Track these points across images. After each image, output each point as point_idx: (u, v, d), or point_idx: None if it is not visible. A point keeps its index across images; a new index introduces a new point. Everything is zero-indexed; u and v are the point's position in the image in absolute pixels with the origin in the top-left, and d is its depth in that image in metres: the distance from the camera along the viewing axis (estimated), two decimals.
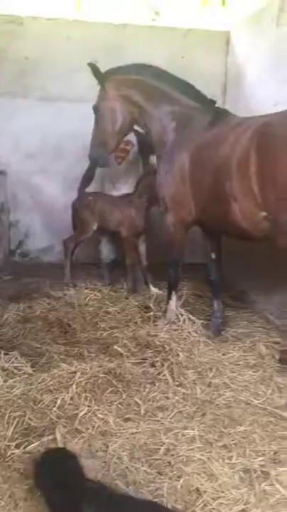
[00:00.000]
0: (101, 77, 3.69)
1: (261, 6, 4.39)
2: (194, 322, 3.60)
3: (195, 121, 3.42)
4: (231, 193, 2.89)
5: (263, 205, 2.70)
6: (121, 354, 3.23)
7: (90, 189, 4.65)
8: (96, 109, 3.76)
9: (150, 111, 3.61)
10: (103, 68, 3.70)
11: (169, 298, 3.72)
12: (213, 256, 3.78)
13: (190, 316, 3.65)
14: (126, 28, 5.27)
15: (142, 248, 4.50)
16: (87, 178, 4.61)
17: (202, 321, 3.65)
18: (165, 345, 3.29)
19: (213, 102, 3.57)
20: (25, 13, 5.04)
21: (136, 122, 3.77)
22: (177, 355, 3.17)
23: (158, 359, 3.14)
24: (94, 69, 3.65)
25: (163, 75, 3.59)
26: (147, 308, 4.06)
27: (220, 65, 5.33)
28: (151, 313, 3.88)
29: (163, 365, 3.08)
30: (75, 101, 4.95)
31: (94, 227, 4.49)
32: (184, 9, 6.44)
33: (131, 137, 4.33)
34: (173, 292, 3.71)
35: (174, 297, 3.71)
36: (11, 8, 5.00)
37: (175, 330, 3.50)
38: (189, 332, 3.49)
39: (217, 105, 3.59)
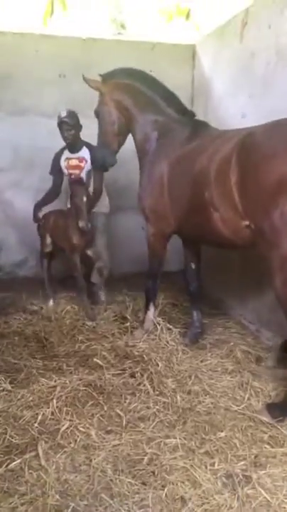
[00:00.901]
0: (96, 84, 3.72)
1: (225, 20, 4.53)
2: (171, 331, 3.66)
3: (174, 133, 3.48)
4: (211, 202, 2.89)
5: (244, 214, 2.71)
6: (100, 366, 3.24)
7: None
8: (97, 113, 3.81)
9: (135, 117, 3.67)
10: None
11: (147, 308, 3.75)
12: (193, 266, 3.83)
13: (168, 325, 3.70)
14: (94, 43, 5.32)
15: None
16: (52, 195, 4.57)
17: (179, 330, 3.71)
18: (144, 355, 3.32)
19: (193, 114, 3.64)
20: None
21: (128, 126, 3.79)
22: (157, 364, 3.21)
23: (137, 369, 3.16)
24: (86, 80, 3.68)
25: (153, 81, 3.65)
26: (124, 319, 4.08)
27: (187, 77, 5.44)
28: (128, 324, 3.91)
29: (142, 375, 3.11)
30: (45, 115, 4.96)
31: (48, 242, 4.51)
32: (149, 23, 6.58)
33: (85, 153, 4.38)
34: (151, 303, 3.75)
35: (152, 307, 3.75)
36: None
37: (153, 339, 3.55)
38: (167, 341, 3.53)
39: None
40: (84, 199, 3.95)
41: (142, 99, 3.62)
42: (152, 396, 2.89)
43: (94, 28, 5.97)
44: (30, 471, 2.31)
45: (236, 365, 3.31)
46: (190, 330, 3.78)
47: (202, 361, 3.33)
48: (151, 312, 3.75)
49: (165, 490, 2.18)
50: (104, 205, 4.56)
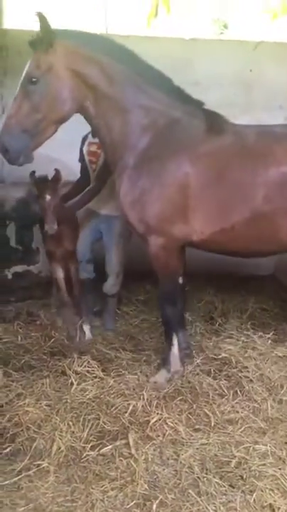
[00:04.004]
0: (50, 34, 2.71)
1: None
2: (262, 336, 3.58)
3: (182, 125, 2.90)
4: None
5: None
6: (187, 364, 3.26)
7: None
8: (34, 78, 2.71)
9: (113, 101, 2.84)
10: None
11: (170, 342, 3.12)
12: (180, 280, 3.24)
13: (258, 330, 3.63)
14: (196, 43, 5.33)
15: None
16: (79, 186, 3.82)
17: (269, 336, 3.61)
18: (233, 359, 3.28)
19: (201, 103, 3.01)
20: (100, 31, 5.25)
21: (83, 111, 2.89)
22: (245, 368, 3.16)
23: (225, 372, 3.14)
24: (42, 20, 2.67)
25: (137, 61, 2.89)
26: (211, 319, 4.07)
27: None
28: (217, 326, 3.89)
29: (230, 378, 3.09)
30: None
31: None
32: (253, 22, 6.48)
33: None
34: (174, 335, 3.13)
35: (175, 341, 3.13)
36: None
37: (243, 342, 3.49)
38: (256, 347, 3.46)
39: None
40: (48, 198, 3.27)
41: (122, 79, 2.83)
42: (241, 401, 2.86)
43: (196, 29, 6.02)
44: (121, 458, 2.41)
45: None
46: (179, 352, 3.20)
47: None
48: (176, 347, 3.11)
49: (254, 495, 2.17)
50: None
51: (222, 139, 2.87)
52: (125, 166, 2.91)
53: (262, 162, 2.78)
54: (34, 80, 2.71)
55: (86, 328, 3.72)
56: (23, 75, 2.74)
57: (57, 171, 3.34)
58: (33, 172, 3.36)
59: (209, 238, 2.89)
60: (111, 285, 3.85)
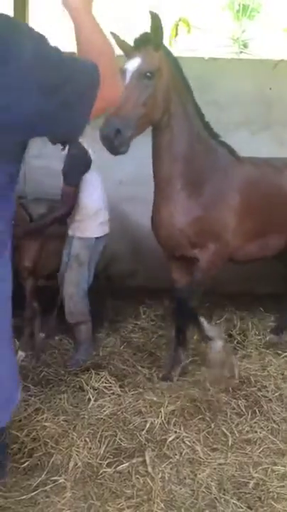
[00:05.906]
0: (161, 34, 2.70)
1: None
2: (280, 355, 3.54)
3: (220, 151, 3.16)
4: None
5: None
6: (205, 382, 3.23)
7: None
8: (149, 73, 2.69)
9: (181, 120, 2.91)
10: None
11: (199, 327, 3.24)
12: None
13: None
14: (216, 62, 5.40)
15: None
16: None
17: None
18: (251, 377, 3.25)
19: (218, 135, 3.21)
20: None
21: (157, 121, 2.86)
22: (265, 387, 3.12)
23: (243, 391, 3.10)
24: (155, 19, 2.63)
25: (188, 84, 2.98)
26: (230, 336, 4.04)
27: None
28: (235, 343, 3.86)
29: (248, 397, 3.05)
30: None
31: None
32: (272, 41, 6.55)
33: None
34: (202, 319, 3.25)
35: (205, 323, 3.26)
36: None
37: (260, 361, 3.46)
38: (275, 366, 3.42)
39: None
40: None
41: (187, 102, 2.95)
42: (259, 420, 2.83)
43: (216, 48, 6.11)
44: (137, 476, 2.39)
45: None
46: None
47: None
48: (205, 323, 3.27)
49: None
50: (87, 227, 3.46)
51: (245, 165, 3.26)
52: (177, 188, 3.01)
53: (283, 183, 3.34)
54: (149, 75, 2.69)
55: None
56: (134, 68, 2.69)
57: None
58: None
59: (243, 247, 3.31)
60: (66, 311, 3.52)
